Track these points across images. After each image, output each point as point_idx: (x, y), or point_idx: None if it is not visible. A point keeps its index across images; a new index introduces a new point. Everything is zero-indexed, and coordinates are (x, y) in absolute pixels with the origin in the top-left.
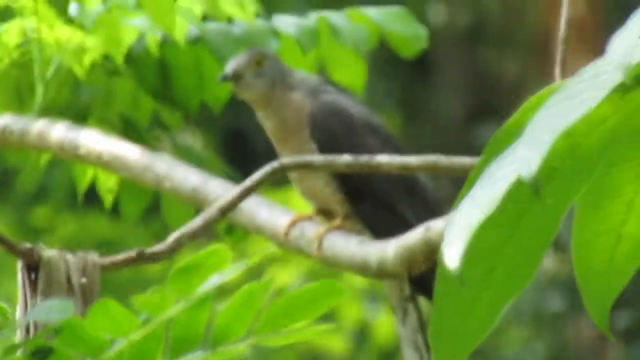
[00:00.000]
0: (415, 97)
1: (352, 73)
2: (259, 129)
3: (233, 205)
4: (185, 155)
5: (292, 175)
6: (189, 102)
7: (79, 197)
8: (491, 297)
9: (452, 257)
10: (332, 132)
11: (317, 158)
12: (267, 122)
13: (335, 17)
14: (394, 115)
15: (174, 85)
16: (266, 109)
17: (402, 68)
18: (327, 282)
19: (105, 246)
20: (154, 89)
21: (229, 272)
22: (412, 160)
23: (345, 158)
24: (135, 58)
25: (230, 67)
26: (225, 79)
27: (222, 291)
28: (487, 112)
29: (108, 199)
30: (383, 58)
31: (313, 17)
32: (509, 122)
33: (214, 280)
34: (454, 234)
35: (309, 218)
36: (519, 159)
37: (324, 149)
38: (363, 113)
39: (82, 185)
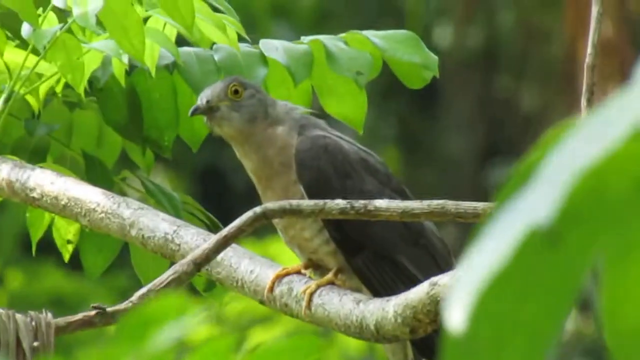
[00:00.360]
0: (418, 132)
1: (351, 106)
2: (237, 166)
3: (209, 257)
4: (156, 198)
5: (278, 223)
6: (162, 138)
7: (32, 247)
8: None
9: (456, 319)
10: (322, 172)
11: (306, 203)
12: (247, 161)
13: (332, 41)
14: (393, 152)
15: (145, 119)
16: (245, 146)
17: (403, 97)
18: (304, 338)
19: (60, 303)
20: (121, 123)
21: (186, 324)
22: (416, 205)
23: (339, 203)
24: (99, 87)
25: (202, 98)
26: (197, 112)
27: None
28: (501, 149)
29: (66, 252)
30: (380, 85)
31: (306, 42)
32: (526, 161)
33: (171, 332)
34: (459, 291)
35: (297, 272)
36: (534, 204)
37: (312, 192)
38: (358, 150)
39: (37, 234)
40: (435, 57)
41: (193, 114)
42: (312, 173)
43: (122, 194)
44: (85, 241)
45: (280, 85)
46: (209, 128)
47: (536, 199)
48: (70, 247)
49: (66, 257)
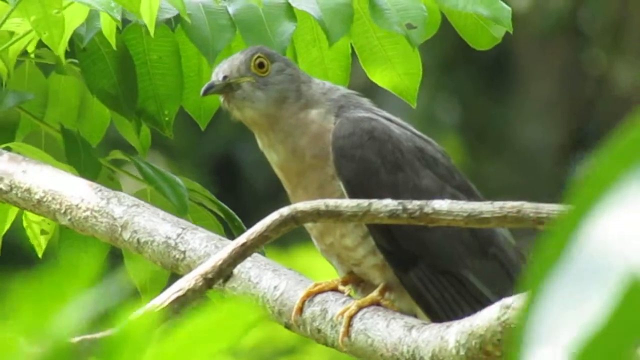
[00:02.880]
0: (486, 116)
1: (401, 72)
2: (260, 156)
3: (223, 270)
4: (156, 185)
5: (312, 228)
6: (162, 112)
7: None
8: None
9: None
10: (367, 163)
11: (347, 203)
12: (272, 153)
13: None
14: (453, 142)
15: (140, 88)
16: (270, 135)
17: (466, 72)
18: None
19: None
20: (110, 92)
21: (86, 301)
22: (485, 208)
23: (388, 204)
24: (82, 48)
25: (219, 72)
26: (212, 90)
27: None
28: (589, 139)
29: (39, 247)
30: (437, 56)
31: None
32: (615, 149)
33: (72, 313)
34: (547, 345)
35: (334, 289)
36: (632, 234)
37: (354, 188)
38: (413, 136)
39: (1, 228)
40: (508, 8)
41: (206, 92)
42: (353, 164)
43: (110, 180)
44: (65, 238)
45: (311, 46)
46: (227, 110)
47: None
48: (44, 240)
49: (39, 251)
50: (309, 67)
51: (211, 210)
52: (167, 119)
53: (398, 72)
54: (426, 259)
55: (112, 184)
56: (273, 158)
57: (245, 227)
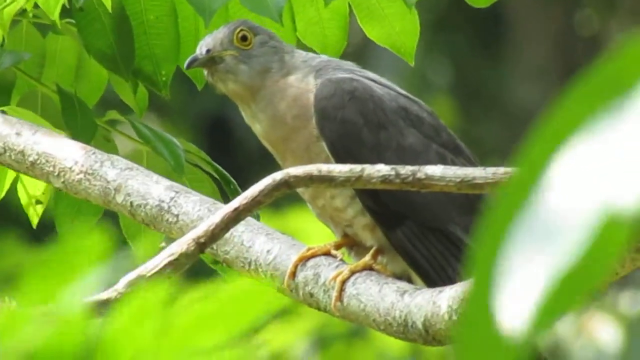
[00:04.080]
0: (478, 77)
1: (398, 29)
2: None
3: (215, 235)
4: (152, 145)
5: (304, 192)
6: (159, 72)
7: None
8: None
9: (514, 322)
10: (349, 123)
11: (339, 169)
12: (256, 123)
13: None
14: (445, 102)
15: (137, 48)
16: (253, 105)
17: (459, 32)
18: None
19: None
20: (107, 53)
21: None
22: (478, 173)
23: (380, 169)
24: (79, 7)
25: (202, 46)
26: (195, 63)
27: None
28: None
29: (34, 215)
30: (429, 15)
31: None
32: (580, 89)
33: (88, 282)
34: (518, 289)
35: (326, 253)
36: (607, 171)
37: (337, 149)
38: (397, 96)
39: None
40: None
41: (189, 66)
42: (335, 125)
43: (107, 141)
44: (60, 203)
45: (308, 5)
46: (211, 84)
47: (615, 165)
48: (39, 209)
49: (34, 220)
50: (306, 26)
51: (207, 172)
52: (164, 79)
53: (396, 29)
54: (413, 217)
55: (108, 145)
56: (257, 129)
57: (240, 190)
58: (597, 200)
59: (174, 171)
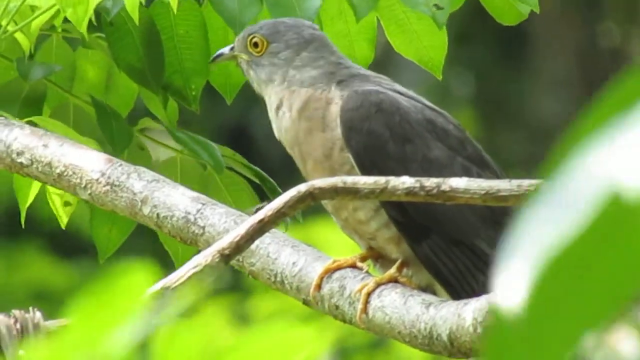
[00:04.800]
0: (501, 90)
1: (427, 45)
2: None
3: (240, 246)
4: (189, 147)
5: (327, 204)
6: (189, 86)
7: (21, 220)
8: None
9: (512, 297)
10: (375, 135)
11: (365, 180)
12: (274, 125)
13: None
14: (468, 115)
15: (167, 62)
16: (268, 106)
17: (482, 44)
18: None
19: (45, 297)
20: (137, 67)
21: (150, 322)
22: (503, 186)
23: (405, 181)
24: (109, 21)
25: (229, 46)
26: (219, 58)
27: None
28: None
29: (63, 216)
30: (453, 26)
31: None
32: (618, 93)
33: (130, 331)
34: (516, 264)
35: (352, 265)
36: (618, 158)
37: (363, 160)
38: (423, 108)
39: (25, 200)
40: None
41: (214, 59)
42: (361, 137)
43: (141, 149)
44: (96, 214)
45: (336, 19)
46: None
47: (621, 150)
48: (68, 210)
49: (63, 221)
50: (334, 39)
51: (244, 177)
52: (193, 93)
53: (424, 44)
54: (439, 230)
55: (142, 153)
56: (275, 132)
57: (280, 189)
58: (605, 178)
59: (214, 171)
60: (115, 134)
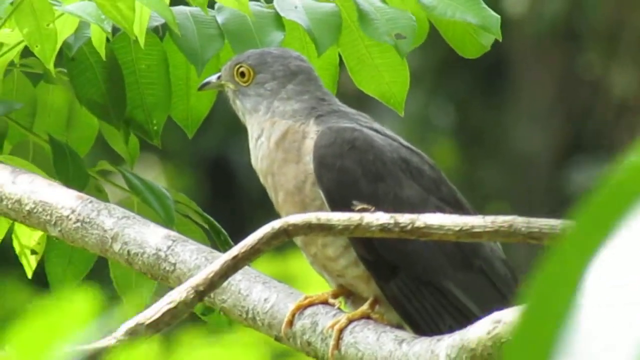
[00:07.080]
0: (481, 121)
1: (389, 80)
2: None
3: (214, 283)
4: (142, 196)
5: (297, 239)
6: (150, 121)
7: None
8: None
9: None
10: (347, 173)
11: (339, 217)
12: (252, 155)
13: None
14: (448, 147)
15: (129, 97)
16: (249, 135)
17: (461, 77)
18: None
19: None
20: (98, 102)
21: (89, 335)
22: (477, 222)
23: (379, 218)
24: (71, 57)
25: (216, 74)
26: (205, 86)
27: None
28: (586, 144)
29: (28, 267)
30: (432, 61)
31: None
32: (626, 170)
33: (75, 343)
34: None
35: (324, 302)
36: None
37: (334, 197)
38: (399, 147)
39: None
40: (497, 16)
41: (201, 87)
42: (333, 174)
43: (99, 191)
44: (51, 249)
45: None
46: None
47: None
48: (34, 260)
49: (29, 272)
50: None
51: (196, 223)
52: (155, 127)
53: (386, 80)
54: (407, 270)
55: (100, 195)
56: (252, 161)
57: (231, 242)
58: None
59: (164, 223)
60: (72, 175)
